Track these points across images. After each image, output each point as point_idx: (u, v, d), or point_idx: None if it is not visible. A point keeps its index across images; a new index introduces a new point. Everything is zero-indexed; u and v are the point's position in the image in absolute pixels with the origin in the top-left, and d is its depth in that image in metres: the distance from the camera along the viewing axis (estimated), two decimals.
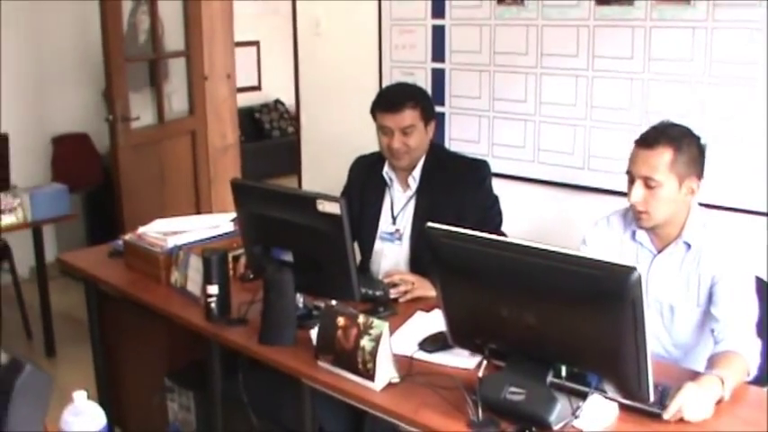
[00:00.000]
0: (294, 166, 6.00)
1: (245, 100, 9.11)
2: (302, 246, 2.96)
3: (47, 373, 2.08)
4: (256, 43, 10.17)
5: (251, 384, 3.14)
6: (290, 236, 2.98)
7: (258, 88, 10.31)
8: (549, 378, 2.34)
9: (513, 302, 2.32)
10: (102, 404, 4.00)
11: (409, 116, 3.44)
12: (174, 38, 6.21)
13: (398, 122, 3.43)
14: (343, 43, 5.23)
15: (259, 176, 7.02)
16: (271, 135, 10.18)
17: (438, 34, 4.67)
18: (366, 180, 3.68)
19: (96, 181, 6.86)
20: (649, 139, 2.78)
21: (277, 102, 10.41)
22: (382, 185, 3.62)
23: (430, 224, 2.47)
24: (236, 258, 3.46)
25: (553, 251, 2.19)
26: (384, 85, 4.84)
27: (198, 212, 5.74)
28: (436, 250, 2.46)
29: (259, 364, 3.00)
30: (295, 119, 9.93)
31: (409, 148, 3.46)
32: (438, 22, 4.66)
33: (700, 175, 2.81)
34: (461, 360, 2.69)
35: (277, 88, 10.34)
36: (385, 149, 3.51)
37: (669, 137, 2.77)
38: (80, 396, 2.05)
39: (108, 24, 5.20)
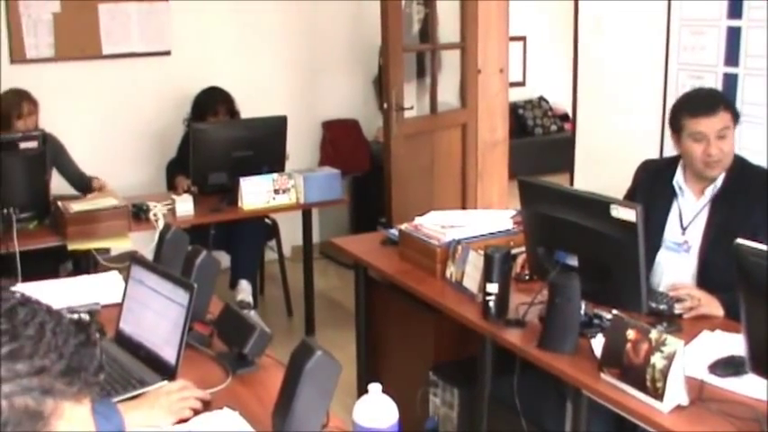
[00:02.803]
0: (557, 165, 5.87)
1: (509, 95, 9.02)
2: (590, 251, 2.84)
3: (336, 361, 2.07)
4: (523, 38, 10.05)
5: (521, 387, 3.05)
6: (578, 240, 2.86)
7: (522, 84, 10.18)
8: None
9: None
10: (360, 387, 4.07)
11: (724, 119, 3.22)
12: (445, 29, 6.20)
13: (714, 126, 3.21)
14: (627, 42, 5.04)
15: (521, 174, 6.92)
16: (533, 132, 10.05)
17: (733, 36, 4.40)
18: (653, 186, 3.48)
19: (363, 167, 6.95)
20: None
21: (541, 99, 10.26)
22: (670, 194, 3.42)
23: (740, 241, 2.30)
24: (513, 257, 3.38)
25: None
26: (668, 89, 4.64)
27: (463, 207, 5.71)
28: (744, 269, 2.29)
29: (528, 366, 2.92)
30: (560, 117, 9.90)
31: (724, 154, 3.23)
32: (734, 23, 4.39)
33: None
34: (758, 389, 2.49)
35: (542, 85, 10.21)
36: (698, 158, 3.26)
37: None
38: (375, 388, 2.02)
39: (388, 14, 5.23)
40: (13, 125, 5.12)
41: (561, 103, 9.94)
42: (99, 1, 6.12)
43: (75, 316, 1.04)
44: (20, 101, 5.17)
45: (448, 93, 6.20)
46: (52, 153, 5.02)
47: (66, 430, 0.96)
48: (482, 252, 3.14)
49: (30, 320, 0.96)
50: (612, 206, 2.71)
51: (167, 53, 6.39)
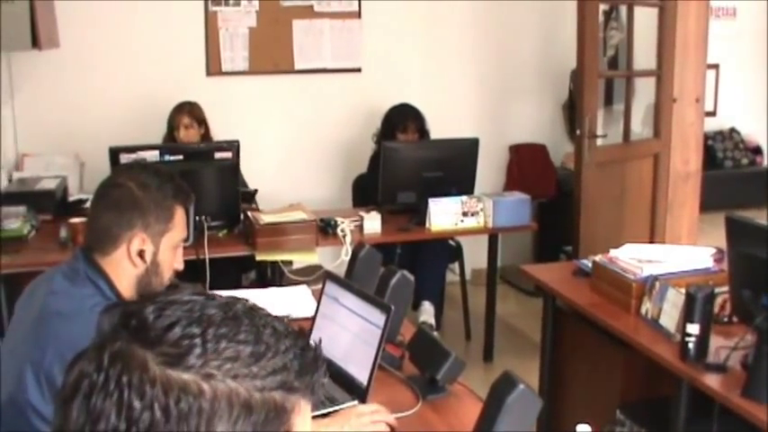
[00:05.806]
0: (748, 200, 5.65)
1: None
2: None
3: (537, 396, 2.02)
4: (716, 66, 9.74)
5: None
6: None
7: (713, 114, 9.85)
8: None
9: None
10: (540, 420, 3.99)
11: None
12: (637, 56, 6.04)
13: None
14: None
15: (709, 208, 6.69)
16: (723, 165, 9.71)
17: None
18: None
19: (549, 193, 6.82)
20: None
21: (732, 130, 9.92)
22: None
23: None
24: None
25: None
26: None
27: (651, 240, 5.53)
28: None
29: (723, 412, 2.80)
30: (752, 150, 9.52)
31: None
32: None
33: None
34: None
35: (733, 115, 9.85)
36: None
37: None
38: (584, 429, 1.96)
39: (585, 39, 5.11)
40: (176, 135, 5.27)
41: (754, 134, 9.59)
42: (294, 17, 6.25)
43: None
44: (180, 113, 5.30)
45: (635, 121, 6.05)
46: None
47: (301, 430, 0.99)
48: (682, 290, 3.02)
49: (266, 322, 1.00)
50: None
51: (358, 70, 6.47)
